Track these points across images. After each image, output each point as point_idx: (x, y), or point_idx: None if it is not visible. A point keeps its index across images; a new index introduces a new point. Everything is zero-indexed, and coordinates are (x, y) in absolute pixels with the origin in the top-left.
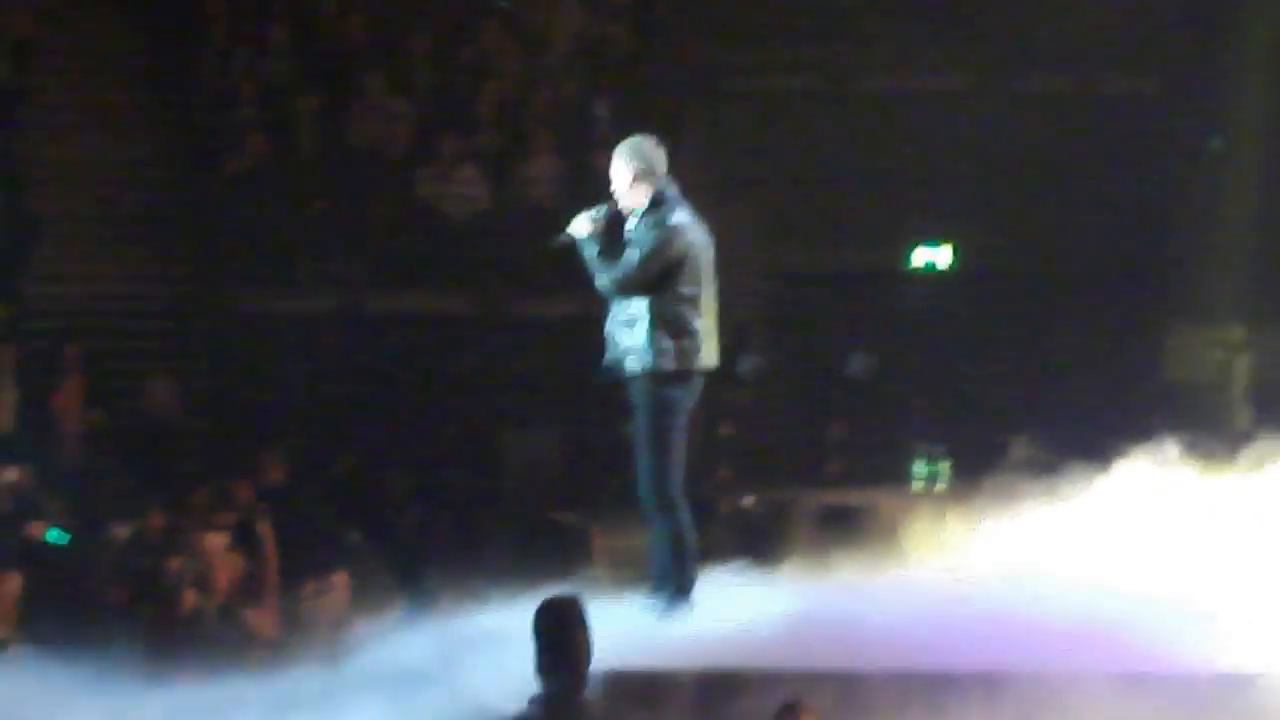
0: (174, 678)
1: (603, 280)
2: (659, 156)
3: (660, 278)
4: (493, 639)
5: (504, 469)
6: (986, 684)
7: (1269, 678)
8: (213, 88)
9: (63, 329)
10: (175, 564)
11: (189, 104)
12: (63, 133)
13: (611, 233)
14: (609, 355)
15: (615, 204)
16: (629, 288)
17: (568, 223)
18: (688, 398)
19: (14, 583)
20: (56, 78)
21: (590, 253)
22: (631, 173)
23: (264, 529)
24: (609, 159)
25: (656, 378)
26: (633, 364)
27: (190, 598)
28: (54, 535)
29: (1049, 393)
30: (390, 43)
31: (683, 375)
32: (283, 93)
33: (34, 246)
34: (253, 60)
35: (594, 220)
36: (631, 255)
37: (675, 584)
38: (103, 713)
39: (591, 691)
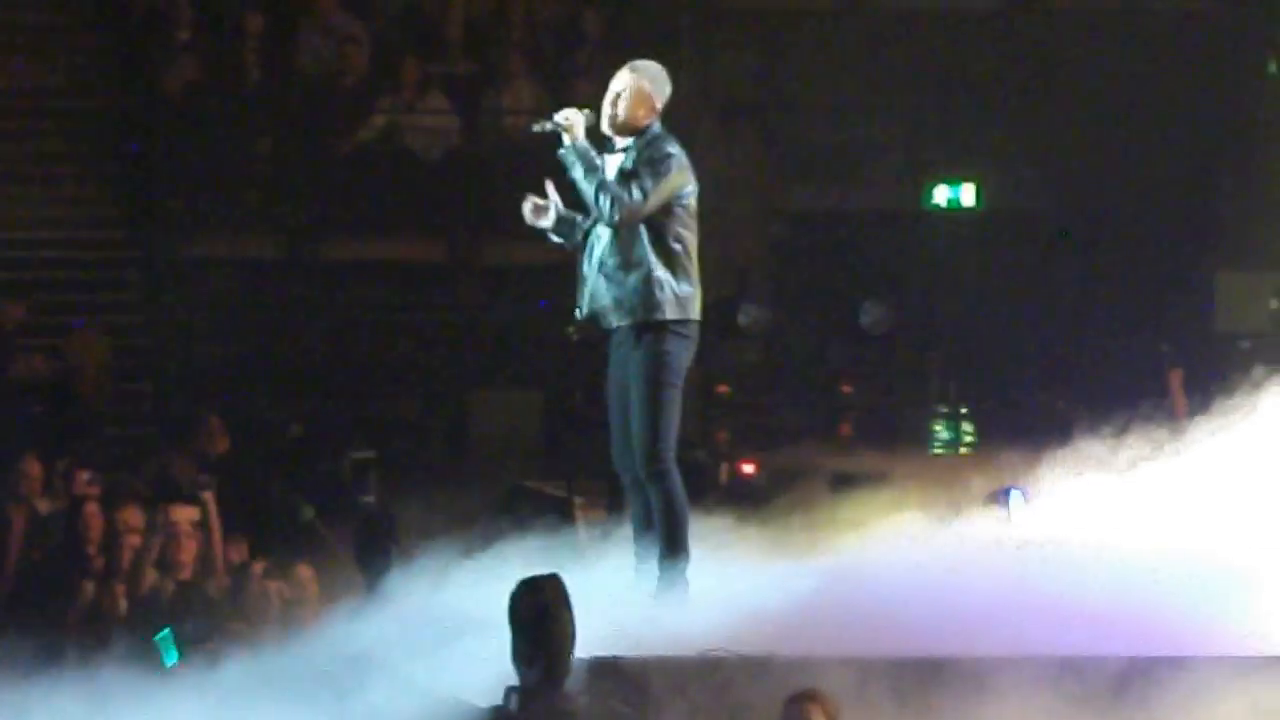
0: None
1: (603, 201)
2: (668, 84)
3: (663, 211)
4: (464, 624)
5: (475, 433)
6: (1012, 668)
7: None
8: (144, 5)
9: None
10: (133, 540)
11: (117, 25)
12: None
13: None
14: (589, 307)
15: (593, 121)
16: (638, 213)
17: (548, 159)
18: (686, 351)
19: None
20: None
21: (581, 158)
22: (636, 91)
23: (208, 502)
24: (593, 86)
25: (655, 329)
26: (624, 316)
27: (150, 576)
28: None
29: (1085, 346)
30: None
31: (682, 326)
32: (223, 11)
33: None
34: None
35: (588, 117)
36: (644, 182)
37: (667, 559)
38: None
39: (575, 681)
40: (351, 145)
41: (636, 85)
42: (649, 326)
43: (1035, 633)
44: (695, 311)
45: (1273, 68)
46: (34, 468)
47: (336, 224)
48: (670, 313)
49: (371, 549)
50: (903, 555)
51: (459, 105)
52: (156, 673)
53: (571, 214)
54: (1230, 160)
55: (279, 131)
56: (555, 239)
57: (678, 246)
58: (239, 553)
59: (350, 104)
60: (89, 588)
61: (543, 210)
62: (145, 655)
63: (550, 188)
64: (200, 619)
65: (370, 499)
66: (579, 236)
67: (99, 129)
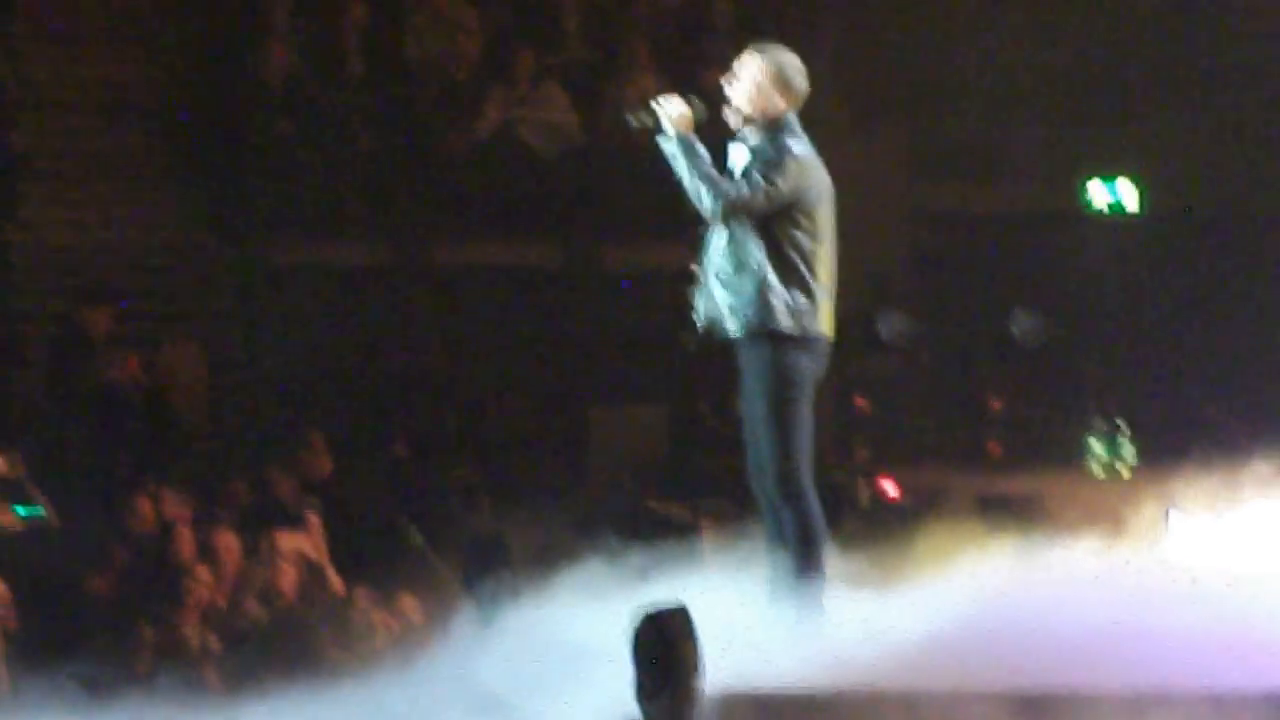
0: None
1: (708, 194)
2: (801, 77)
3: (779, 214)
4: (582, 656)
5: (595, 452)
6: (1167, 705)
7: None
8: None
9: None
10: (231, 566)
11: (205, 10)
12: (50, 51)
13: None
14: (704, 313)
15: (704, 114)
16: (746, 211)
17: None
18: (812, 365)
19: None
20: None
21: (685, 153)
22: (765, 79)
23: (314, 525)
24: (725, 79)
25: (773, 340)
26: (740, 324)
27: (252, 608)
28: (25, 511)
29: (1258, 360)
30: None
31: (803, 338)
32: None
33: (18, 187)
34: None
35: (696, 113)
36: (754, 178)
37: (802, 585)
38: None
39: (702, 717)
40: (462, 142)
41: (763, 71)
42: (766, 336)
43: (1190, 667)
44: (818, 327)
45: None
46: (146, 506)
47: (446, 227)
48: (786, 323)
49: (482, 575)
50: (1056, 583)
51: (578, 98)
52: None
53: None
54: None
55: (384, 127)
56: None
57: (794, 255)
58: (340, 581)
59: (461, 97)
60: (182, 617)
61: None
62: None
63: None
64: (300, 650)
65: (482, 522)
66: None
67: (187, 124)
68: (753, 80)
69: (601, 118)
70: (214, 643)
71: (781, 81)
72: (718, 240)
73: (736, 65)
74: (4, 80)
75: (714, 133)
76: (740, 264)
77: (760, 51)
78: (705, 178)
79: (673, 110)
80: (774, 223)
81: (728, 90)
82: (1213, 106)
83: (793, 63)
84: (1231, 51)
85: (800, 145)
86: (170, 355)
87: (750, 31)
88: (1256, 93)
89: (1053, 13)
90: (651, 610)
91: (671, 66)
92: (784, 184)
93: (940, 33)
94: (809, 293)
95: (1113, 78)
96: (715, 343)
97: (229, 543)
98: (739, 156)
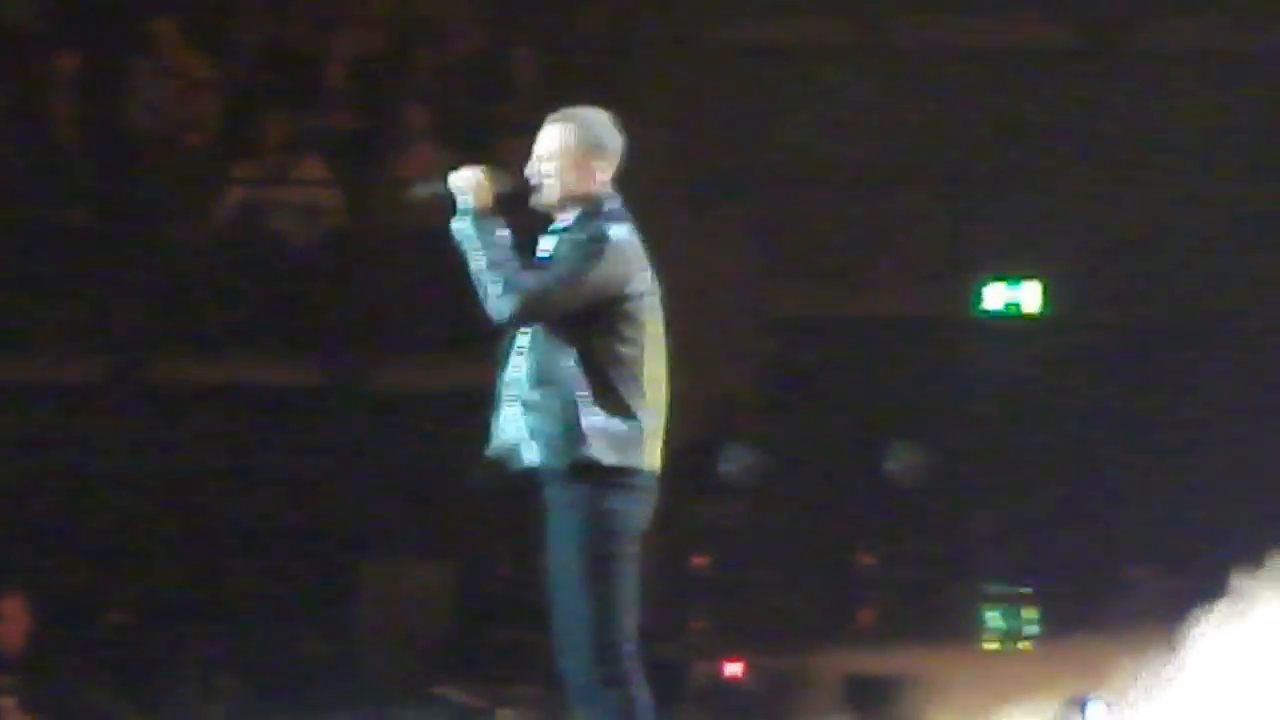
0: None
1: (494, 289)
2: (614, 134)
3: (589, 312)
4: None
5: (366, 619)
6: None
7: None
8: None
9: None
10: None
11: None
12: None
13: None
14: (496, 439)
15: (525, 194)
16: (549, 310)
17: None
18: (637, 509)
19: None
20: None
21: (477, 230)
22: (573, 150)
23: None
24: (525, 146)
25: (588, 476)
26: (542, 455)
27: None
28: None
29: (1191, 498)
30: None
31: (625, 474)
32: (24, 41)
33: None
34: None
35: (491, 183)
36: (558, 270)
37: None
38: None
39: None
40: (197, 228)
41: (570, 141)
42: (578, 472)
43: None
44: (647, 459)
45: None
46: None
47: (175, 338)
48: (606, 456)
49: None
50: None
51: (343, 174)
52: None
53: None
54: None
55: (97, 209)
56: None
57: (614, 370)
58: None
59: (197, 171)
60: None
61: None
62: None
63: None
64: None
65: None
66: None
67: None
68: (558, 155)
69: (372, 197)
70: None
71: (593, 148)
72: (519, 350)
73: (538, 138)
74: None
75: (520, 220)
76: (546, 379)
77: (561, 120)
78: (499, 265)
79: (467, 180)
80: (588, 328)
81: (529, 172)
82: (1133, 188)
83: (604, 126)
84: (1153, 112)
85: (620, 229)
86: None
87: (556, 90)
88: (1186, 164)
89: (935, 77)
90: None
91: (460, 135)
92: (596, 275)
93: (798, 101)
94: (632, 417)
95: (1013, 148)
96: (512, 479)
97: None
98: (549, 248)
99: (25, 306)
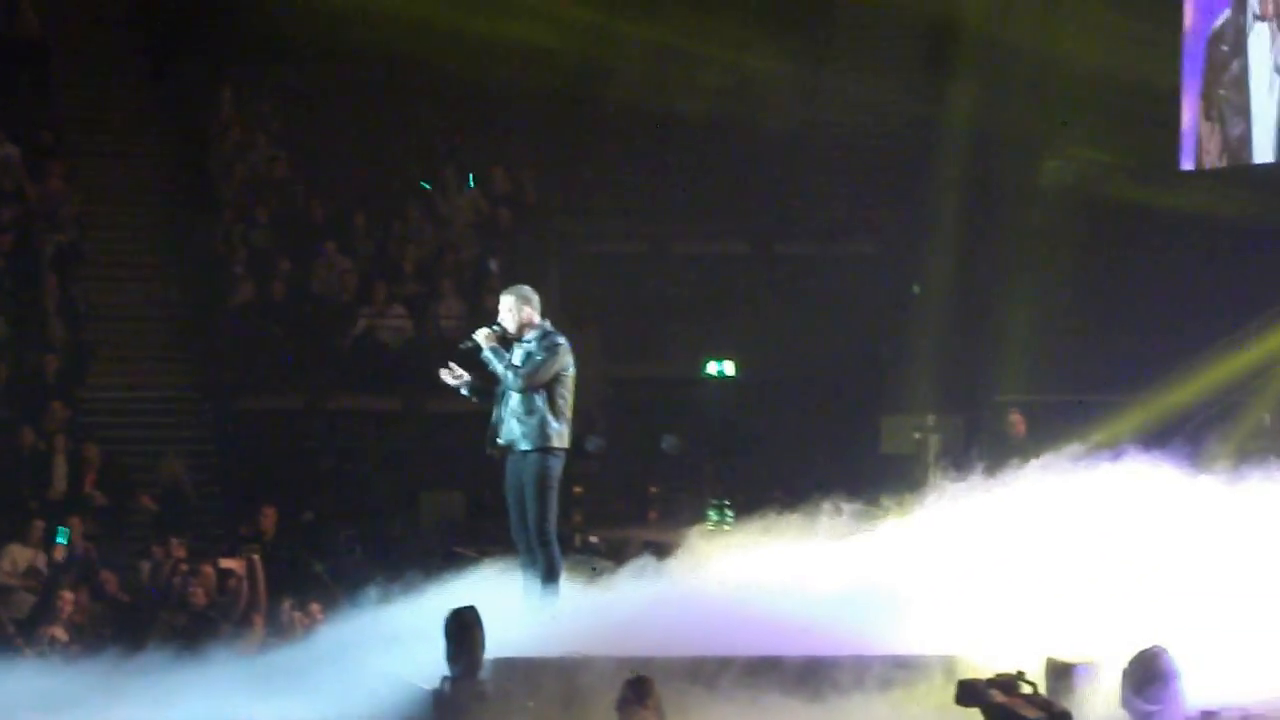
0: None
1: (510, 375)
2: (535, 296)
3: (553, 379)
4: (415, 636)
5: (424, 517)
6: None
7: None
8: (215, 250)
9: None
10: (201, 586)
11: (199, 261)
12: (108, 281)
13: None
14: (502, 438)
15: (502, 331)
16: (532, 382)
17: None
18: (559, 465)
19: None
20: (106, 244)
21: (494, 355)
22: (520, 307)
23: (257, 561)
24: (498, 299)
25: (548, 452)
26: (527, 443)
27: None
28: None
29: (801, 463)
30: (341, 219)
31: (560, 451)
32: (265, 254)
33: (87, 365)
34: (245, 232)
35: (495, 332)
36: (535, 360)
37: (546, 594)
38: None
39: (485, 672)
40: (344, 337)
41: (517, 306)
42: (541, 451)
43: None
44: (567, 441)
45: (916, 289)
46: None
47: (337, 385)
48: (555, 442)
49: (354, 589)
50: (688, 587)
51: (413, 313)
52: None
53: (486, 385)
54: (890, 344)
55: (298, 328)
56: (467, 395)
57: (561, 402)
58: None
59: (343, 312)
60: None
61: (457, 378)
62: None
63: (450, 369)
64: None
65: (353, 558)
66: (490, 397)
67: (190, 327)
68: (510, 310)
69: (427, 324)
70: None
71: (527, 303)
72: (514, 395)
73: (502, 300)
74: (83, 300)
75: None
76: (530, 408)
77: (511, 292)
78: (510, 366)
79: (483, 335)
80: (550, 385)
81: (501, 319)
82: (776, 316)
83: (529, 291)
84: (788, 285)
85: (562, 336)
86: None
87: (511, 276)
88: (801, 308)
89: (683, 267)
90: (456, 608)
91: (467, 294)
92: (555, 363)
93: (620, 277)
94: (566, 423)
95: (718, 301)
96: (505, 452)
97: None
98: (520, 349)
99: (265, 370)
